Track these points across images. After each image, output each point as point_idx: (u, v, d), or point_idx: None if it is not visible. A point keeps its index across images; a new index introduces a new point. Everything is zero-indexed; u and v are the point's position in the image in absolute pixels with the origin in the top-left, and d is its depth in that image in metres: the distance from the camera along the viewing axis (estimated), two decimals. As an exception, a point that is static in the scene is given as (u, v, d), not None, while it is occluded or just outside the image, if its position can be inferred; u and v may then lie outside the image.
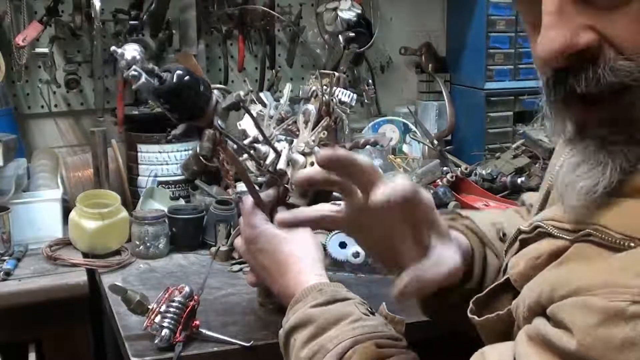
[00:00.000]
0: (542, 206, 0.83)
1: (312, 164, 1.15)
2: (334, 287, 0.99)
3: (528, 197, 1.06)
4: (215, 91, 1.00)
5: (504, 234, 0.95)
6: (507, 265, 0.80)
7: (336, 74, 1.22)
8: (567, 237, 0.66)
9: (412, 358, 0.87)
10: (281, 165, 1.13)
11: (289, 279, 1.04)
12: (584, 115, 0.62)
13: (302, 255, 1.06)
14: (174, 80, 0.93)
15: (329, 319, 0.92)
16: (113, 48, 0.96)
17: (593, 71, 0.58)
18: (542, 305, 0.63)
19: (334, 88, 1.19)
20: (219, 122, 1.00)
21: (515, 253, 0.78)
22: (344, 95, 1.21)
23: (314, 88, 1.25)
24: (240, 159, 1.15)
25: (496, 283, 0.79)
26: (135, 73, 0.92)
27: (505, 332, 0.74)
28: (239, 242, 1.17)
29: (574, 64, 0.59)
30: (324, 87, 1.20)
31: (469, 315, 0.79)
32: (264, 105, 1.26)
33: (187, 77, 0.94)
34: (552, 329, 0.60)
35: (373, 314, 0.95)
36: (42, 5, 1.99)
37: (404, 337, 0.91)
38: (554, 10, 0.58)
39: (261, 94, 1.35)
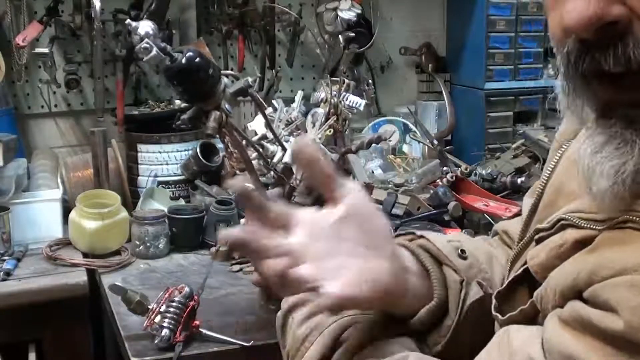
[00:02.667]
0: (532, 213, 0.81)
1: None
2: None
3: (500, 225, 1.03)
4: (224, 77, 1.03)
5: (463, 251, 0.88)
6: (517, 262, 0.78)
7: (346, 80, 1.24)
8: (597, 228, 0.63)
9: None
10: (287, 158, 1.15)
11: None
12: (609, 95, 0.58)
13: None
14: (185, 60, 0.96)
15: None
16: (128, 21, 1.01)
17: (622, 48, 0.55)
18: (578, 289, 0.61)
19: (345, 94, 1.21)
20: (227, 105, 1.03)
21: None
22: (353, 102, 1.22)
23: (323, 95, 1.26)
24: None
25: (514, 276, 0.77)
26: (147, 45, 0.96)
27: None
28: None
29: (601, 37, 0.56)
30: (333, 91, 1.21)
31: (493, 312, 0.76)
32: (275, 109, 1.28)
33: (197, 59, 0.98)
34: (592, 310, 0.58)
35: None
36: (42, 5, 1.99)
37: None
38: None
39: (273, 101, 1.38)
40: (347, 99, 1.22)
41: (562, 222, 0.69)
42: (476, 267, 0.88)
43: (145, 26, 0.99)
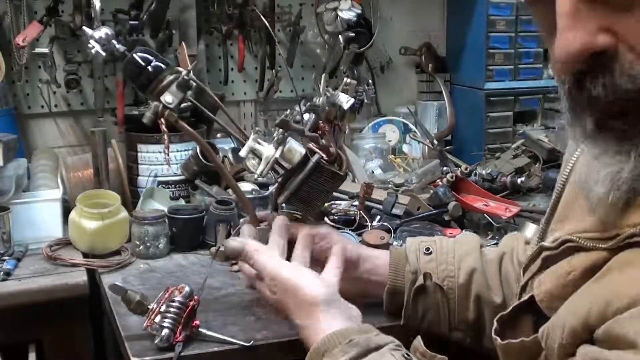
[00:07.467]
0: (551, 214, 0.82)
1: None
2: (364, 334, 0.93)
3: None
4: (183, 71, 1.14)
5: (427, 249, 1.15)
6: (525, 283, 0.77)
7: (349, 80, 1.24)
8: (604, 246, 0.62)
9: None
10: (242, 153, 1.18)
11: (309, 322, 1.00)
12: (603, 111, 0.59)
13: (319, 294, 1.02)
14: (127, 57, 1.13)
15: None
16: (84, 27, 1.19)
17: (610, 77, 0.56)
18: (590, 326, 0.58)
19: (335, 92, 1.21)
20: (167, 97, 1.13)
21: (537, 271, 0.74)
22: (344, 100, 1.21)
23: (328, 94, 1.26)
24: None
25: (520, 301, 0.76)
26: (90, 46, 1.14)
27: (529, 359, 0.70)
28: (265, 289, 1.14)
29: (591, 67, 0.57)
30: (322, 90, 1.21)
31: (493, 335, 0.76)
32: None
33: (136, 55, 1.12)
34: (609, 352, 0.54)
35: (409, 356, 0.90)
36: (42, 5, 1.99)
37: None
38: (569, 12, 0.56)
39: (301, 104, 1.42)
40: (339, 98, 1.21)
41: (568, 244, 0.67)
42: (435, 262, 1.13)
43: (101, 32, 1.15)
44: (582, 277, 0.63)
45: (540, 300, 0.69)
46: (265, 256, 1.10)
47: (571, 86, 0.59)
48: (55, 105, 2.11)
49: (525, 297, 0.75)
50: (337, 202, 1.78)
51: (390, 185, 1.93)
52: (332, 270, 1.08)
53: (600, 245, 0.62)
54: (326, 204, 1.67)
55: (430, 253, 1.15)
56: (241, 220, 1.55)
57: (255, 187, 1.84)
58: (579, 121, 0.61)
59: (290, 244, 1.21)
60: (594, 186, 0.61)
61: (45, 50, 1.97)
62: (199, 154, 1.80)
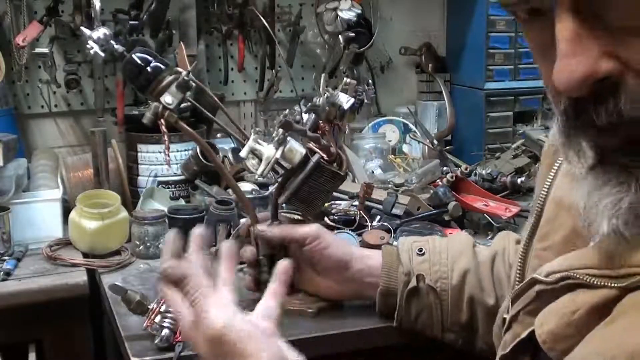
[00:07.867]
0: (532, 235, 0.80)
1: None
2: None
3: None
4: (183, 72, 1.14)
5: (420, 249, 1.15)
6: (516, 313, 0.75)
7: (348, 80, 1.24)
8: (613, 285, 0.58)
9: None
10: (242, 153, 1.18)
11: None
12: (603, 140, 0.56)
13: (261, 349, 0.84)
14: (126, 58, 1.14)
15: None
16: (82, 28, 1.20)
17: (614, 103, 0.53)
18: None
19: (336, 92, 1.21)
20: (167, 98, 1.13)
21: (530, 302, 0.72)
22: (344, 100, 1.21)
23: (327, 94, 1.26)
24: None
25: (519, 339, 0.73)
26: (89, 46, 1.15)
27: None
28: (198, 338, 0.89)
29: (593, 93, 0.54)
30: (322, 90, 1.21)
31: None
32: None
33: (135, 56, 1.13)
34: None
35: None
36: (42, 5, 1.99)
37: None
38: (570, 37, 0.52)
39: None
40: (339, 98, 1.20)
41: (569, 280, 0.64)
42: (428, 263, 1.14)
43: (99, 32, 1.16)
44: (588, 315, 0.61)
45: (543, 341, 0.65)
46: (211, 301, 0.88)
47: (567, 107, 0.57)
48: (55, 105, 2.11)
49: (523, 333, 0.72)
50: (337, 202, 1.78)
51: (390, 185, 1.93)
52: (267, 308, 0.91)
53: (609, 284, 0.59)
54: (326, 204, 1.67)
55: (423, 254, 1.15)
56: (241, 220, 1.55)
57: (255, 187, 1.84)
58: (575, 146, 0.59)
59: (285, 249, 1.21)
60: (594, 219, 0.58)
61: (45, 50, 1.97)
62: (199, 154, 1.80)
